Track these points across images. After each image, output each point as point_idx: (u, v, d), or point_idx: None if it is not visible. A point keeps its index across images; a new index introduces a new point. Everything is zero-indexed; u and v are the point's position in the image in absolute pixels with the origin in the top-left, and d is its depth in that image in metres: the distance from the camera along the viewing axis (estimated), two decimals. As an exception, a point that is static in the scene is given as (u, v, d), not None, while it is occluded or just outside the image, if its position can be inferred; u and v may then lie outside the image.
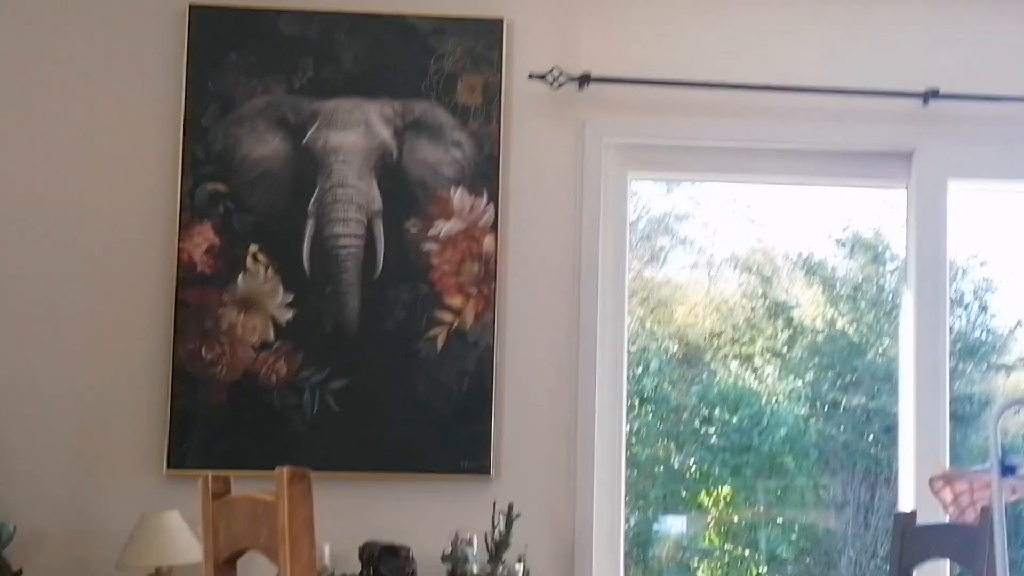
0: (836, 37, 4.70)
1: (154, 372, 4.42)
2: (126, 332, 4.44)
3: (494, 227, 4.50)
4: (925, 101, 4.63)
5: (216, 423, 4.38)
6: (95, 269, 4.46)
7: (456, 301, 4.47)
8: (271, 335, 4.43)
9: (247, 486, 2.38)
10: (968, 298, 5.08)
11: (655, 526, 5.00)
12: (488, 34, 4.57)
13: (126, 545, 4.09)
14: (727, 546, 4.97)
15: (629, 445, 4.70)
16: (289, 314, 4.44)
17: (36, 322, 4.43)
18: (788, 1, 4.70)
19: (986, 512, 3.29)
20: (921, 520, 3.78)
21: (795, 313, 5.11)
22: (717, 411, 5.00)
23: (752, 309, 5.12)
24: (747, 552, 4.95)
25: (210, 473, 2.51)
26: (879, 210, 5.04)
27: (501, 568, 4.06)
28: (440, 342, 4.45)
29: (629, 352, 4.70)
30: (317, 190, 4.49)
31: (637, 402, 4.94)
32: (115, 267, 4.46)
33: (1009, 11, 4.73)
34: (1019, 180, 4.79)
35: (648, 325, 5.09)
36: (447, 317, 4.46)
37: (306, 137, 4.50)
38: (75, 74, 4.53)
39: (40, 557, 4.33)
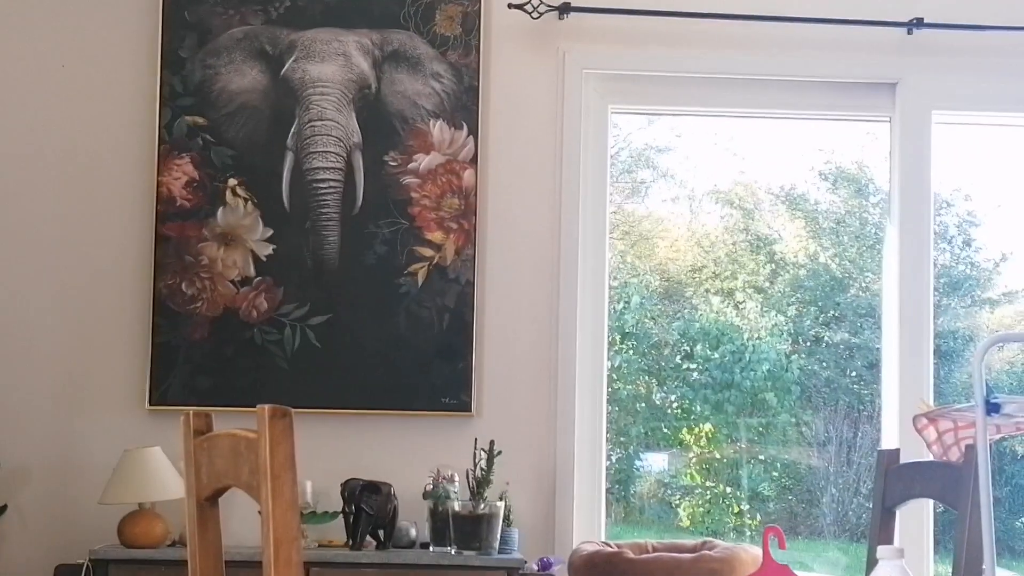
0: (821, -32, 4.65)
1: (135, 307, 4.39)
2: (106, 267, 4.41)
3: (474, 160, 4.46)
4: (909, 31, 4.60)
5: (197, 359, 4.36)
6: (73, 204, 4.42)
7: (436, 236, 4.44)
8: (251, 270, 4.40)
9: (229, 422, 2.36)
10: (952, 232, 5.06)
11: (636, 463, 5.00)
12: (468, -36, 4.51)
13: (109, 481, 4.09)
14: (708, 483, 4.97)
15: (610, 381, 4.69)
16: (269, 249, 4.41)
17: (15, 259, 4.40)
18: (773, -69, 4.65)
19: (970, 450, 3.28)
20: (904, 458, 3.78)
21: (777, 247, 5.09)
22: (699, 347, 4.98)
23: (734, 243, 5.10)
24: (729, 489, 4.95)
25: (192, 409, 2.49)
26: (862, 142, 5.01)
27: (483, 505, 4.05)
28: (421, 278, 4.42)
29: (610, 287, 4.68)
30: (296, 123, 4.44)
31: (618, 338, 4.92)
32: (94, 202, 4.42)
33: (996, -58, 4.69)
34: (1003, 111, 4.77)
35: (629, 260, 5.06)
36: (427, 252, 4.43)
37: (284, 69, 4.44)
38: (50, 6, 4.46)
39: (24, 492, 4.34)
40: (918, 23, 4.58)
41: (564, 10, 4.51)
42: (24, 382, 4.37)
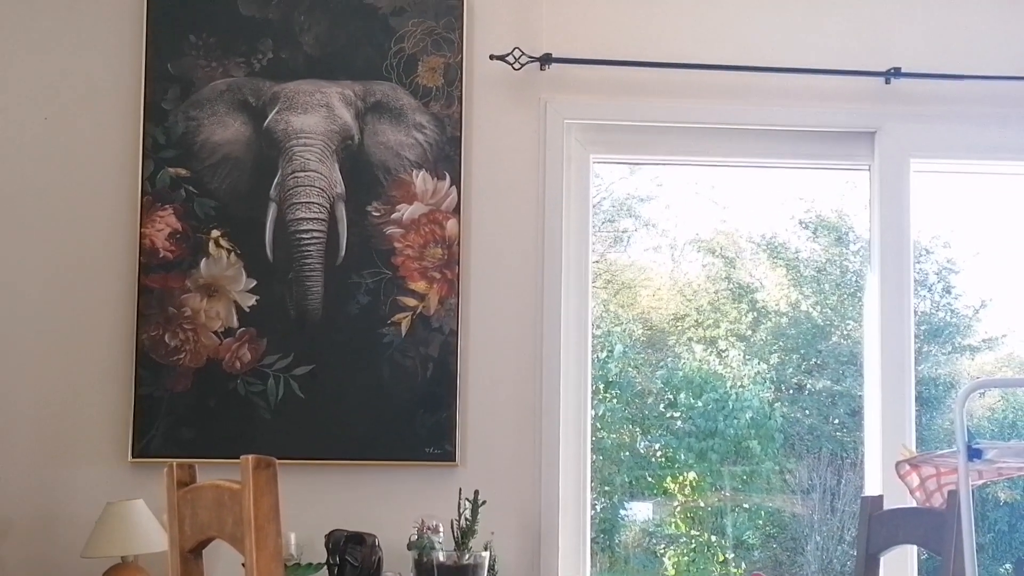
0: (798, 16, 4.70)
1: (117, 359, 4.38)
2: (88, 319, 4.40)
3: (457, 210, 4.48)
4: (887, 80, 4.64)
5: (180, 410, 4.35)
6: (56, 255, 4.42)
7: (420, 286, 4.44)
8: (234, 321, 4.40)
9: (212, 474, 2.36)
10: (932, 279, 5.09)
11: (621, 512, 4.99)
12: (448, 14, 4.54)
13: (91, 534, 4.06)
14: (693, 532, 4.97)
15: (594, 430, 4.69)
16: (252, 300, 4.41)
17: (-6, 309, 4.39)
18: (752, -18, 4.69)
19: (953, 496, 3.29)
20: (888, 504, 3.78)
21: (759, 295, 5.10)
22: (682, 395, 4.99)
23: (716, 292, 5.12)
24: (713, 538, 4.95)
25: (175, 461, 2.49)
26: (842, 191, 5.04)
27: (467, 555, 4.04)
28: (404, 328, 4.43)
29: (593, 336, 4.68)
30: (279, 174, 4.45)
31: (602, 387, 4.92)
32: (76, 253, 4.42)
33: (971, -9, 4.74)
34: (980, 159, 4.80)
35: (612, 308, 5.07)
36: (411, 302, 4.44)
37: (267, 120, 4.46)
38: (33, 58, 4.48)
39: (5, 546, 4.30)
40: (895, 72, 4.62)
41: (545, 61, 4.54)
42: (5, 433, 4.35)
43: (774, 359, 5.03)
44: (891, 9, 4.72)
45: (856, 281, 4.99)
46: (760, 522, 4.94)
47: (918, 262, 4.90)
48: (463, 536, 4.11)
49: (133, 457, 4.33)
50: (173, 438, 4.34)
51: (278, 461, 2.12)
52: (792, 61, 4.62)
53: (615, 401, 5.00)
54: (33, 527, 4.33)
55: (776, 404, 4.97)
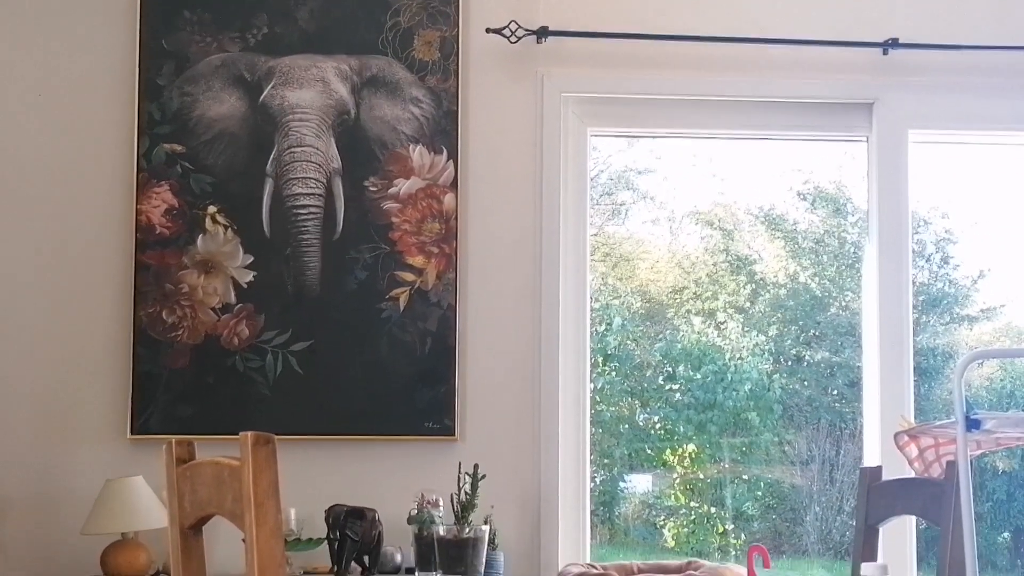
0: (796, -11, 4.68)
1: (115, 336, 4.38)
2: (85, 296, 4.39)
3: (454, 185, 4.47)
4: (885, 51, 4.63)
5: (179, 387, 4.35)
6: (52, 233, 4.41)
7: (417, 260, 4.44)
8: (232, 297, 4.39)
9: (211, 450, 2.35)
10: (930, 250, 5.08)
11: (621, 484, 5.00)
12: (445, -11, 4.52)
13: (91, 511, 4.07)
14: (693, 503, 4.98)
15: (593, 403, 4.70)
16: (250, 276, 4.40)
17: (-9, 287, 4.39)
18: (748, -47, 4.68)
19: (951, 467, 3.29)
20: (887, 475, 3.79)
21: (757, 267, 5.10)
22: (681, 368, 4.99)
23: (714, 264, 5.11)
24: (713, 509, 4.95)
25: (174, 438, 2.49)
26: (840, 162, 5.04)
27: (468, 529, 4.04)
28: (402, 302, 4.42)
29: (592, 309, 4.68)
30: (275, 149, 4.44)
31: (600, 360, 4.93)
32: (73, 230, 4.41)
33: (969, -39, 4.73)
34: (978, 129, 4.79)
35: (610, 282, 5.07)
36: (409, 277, 4.43)
37: (263, 95, 4.45)
38: (26, 34, 4.46)
39: (5, 524, 4.31)
40: (893, 43, 4.61)
41: (542, 34, 4.52)
42: (3, 412, 4.35)
43: (773, 331, 5.03)
44: (888, -21, 4.70)
45: (854, 252, 4.99)
46: (759, 493, 4.95)
47: (916, 233, 4.90)
48: (463, 510, 4.11)
49: (132, 434, 4.33)
50: (172, 415, 4.34)
51: (277, 437, 2.12)
52: (789, 32, 4.60)
53: (614, 374, 5.01)
54: (33, 505, 4.34)
55: (775, 376, 4.97)
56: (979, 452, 3.61)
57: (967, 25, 4.67)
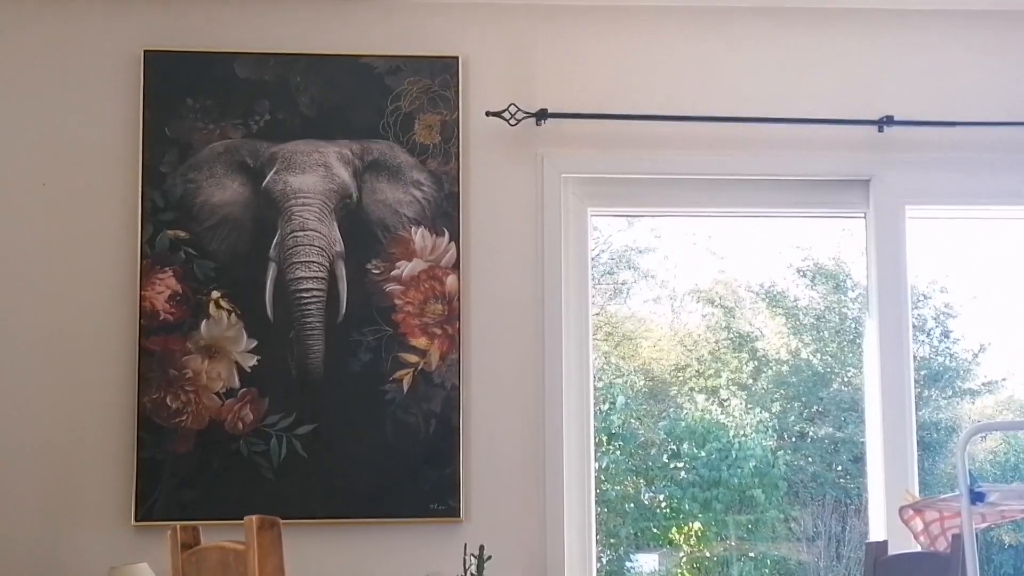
0: (791, 67, 4.73)
1: (119, 422, 4.37)
2: (89, 382, 4.39)
3: (456, 266, 4.49)
4: (880, 128, 4.66)
5: (183, 472, 4.34)
6: (56, 319, 4.42)
7: (421, 342, 4.45)
8: (236, 382, 4.40)
9: (216, 535, 2.36)
10: (930, 324, 5.10)
11: (627, 564, 4.98)
12: (444, 72, 4.57)
13: (93, 599, 4.05)
14: (700, 582, 4.96)
15: (598, 482, 4.69)
16: (253, 360, 4.42)
17: (-4, 375, 4.39)
18: (742, 32, 4.73)
19: (957, 540, 3.29)
20: (893, 550, 3.78)
21: (759, 344, 5.11)
22: (685, 445, 4.99)
23: (716, 341, 5.13)
24: (721, 588, 4.94)
25: (179, 523, 2.49)
26: (838, 238, 5.06)
27: (473, 610, 4.03)
28: (406, 384, 4.43)
29: (595, 388, 4.69)
30: (278, 234, 4.47)
31: (605, 439, 4.92)
32: (76, 317, 4.42)
33: (962, 37, 4.78)
34: (974, 204, 4.82)
35: (613, 360, 5.08)
36: (412, 358, 4.44)
37: (265, 181, 4.49)
38: (30, 122, 4.50)
39: (6, 613, 4.28)
40: (888, 120, 4.64)
41: (541, 116, 4.57)
42: (7, 498, 4.33)
43: (776, 407, 5.03)
44: (882, 58, 4.75)
45: (855, 328, 5.00)
46: (766, 570, 4.93)
47: (916, 307, 4.91)
48: (469, 592, 4.10)
49: (136, 521, 4.32)
50: (176, 501, 4.33)
51: (282, 521, 2.13)
52: (786, 111, 4.64)
53: (618, 453, 5.00)
54: (38, 593, 4.32)
55: (779, 452, 4.96)
56: (984, 525, 3.61)
57: (961, 102, 4.72)
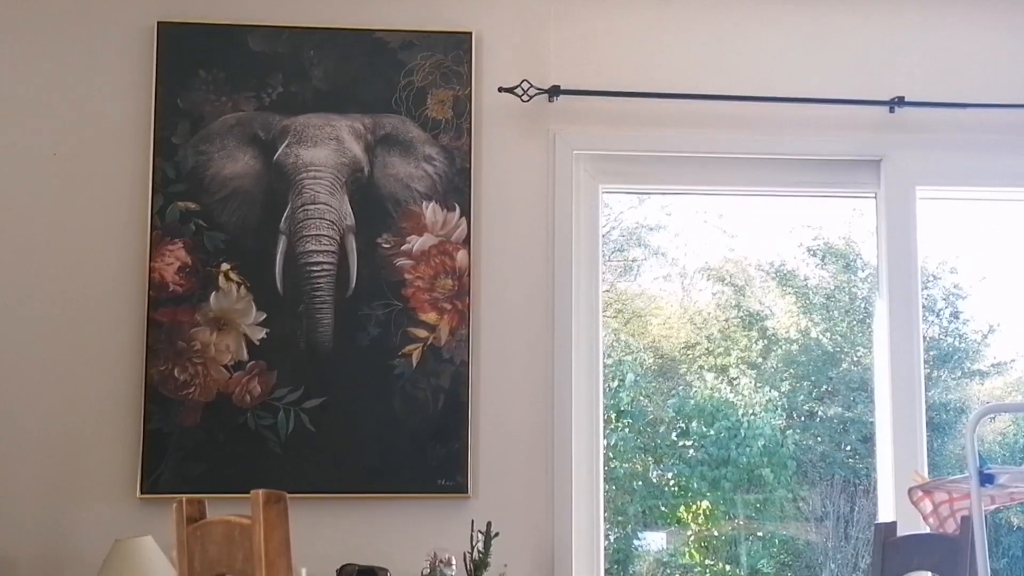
0: (803, 46, 4.72)
1: (126, 394, 4.38)
2: (97, 354, 4.40)
3: (467, 241, 4.49)
4: (892, 109, 4.65)
5: (190, 445, 4.35)
6: (65, 290, 4.42)
7: (430, 317, 4.45)
8: (244, 354, 4.40)
9: (222, 509, 2.36)
10: (940, 305, 5.09)
11: (635, 542, 4.98)
12: (457, 48, 4.56)
13: (99, 572, 4.05)
14: (708, 561, 4.96)
15: (606, 460, 4.69)
16: (262, 333, 4.42)
17: (6, 345, 4.39)
18: (755, 12, 4.72)
19: (966, 522, 3.29)
20: (901, 531, 3.78)
21: (769, 323, 5.11)
22: (694, 424, 4.99)
23: (726, 320, 5.12)
24: (728, 567, 4.93)
25: (184, 497, 2.49)
26: (849, 218, 5.05)
27: (480, 586, 4.03)
28: (415, 359, 4.43)
29: (604, 365, 4.69)
30: (288, 207, 4.47)
31: (613, 416, 4.92)
32: (85, 288, 4.42)
33: (974, 18, 4.77)
34: (985, 185, 4.82)
35: (623, 338, 5.08)
36: (422, 333, 4.44)
37: (277, 154, 4.48)
38: (43, 93, 4.50)
39: (13, 584, 4.29)
40: (900, 102, 4.63)
41: (554, 93, 4.55)
42: (12, 470, 4.33)
43: (785, 386, 5.03)
44: (894, 39, 4.74)
45: (865, 307, 4.99)
46: (774, 550, 4.93)
47: (925, 288, 4.91)
48: (476, 568, 4.10)
49: (142, 493, 4.32)
50: (182, 473, 4.34)
51: (289, 495, 2.12)
52: (798, 91, 4.64)
53: (627, 430, 5.00)
54: (40, 565, 4.31)
55: (788, 431, 4.96)
56: (993, 507, 3.61)
57: (972, 83, 4.71)
